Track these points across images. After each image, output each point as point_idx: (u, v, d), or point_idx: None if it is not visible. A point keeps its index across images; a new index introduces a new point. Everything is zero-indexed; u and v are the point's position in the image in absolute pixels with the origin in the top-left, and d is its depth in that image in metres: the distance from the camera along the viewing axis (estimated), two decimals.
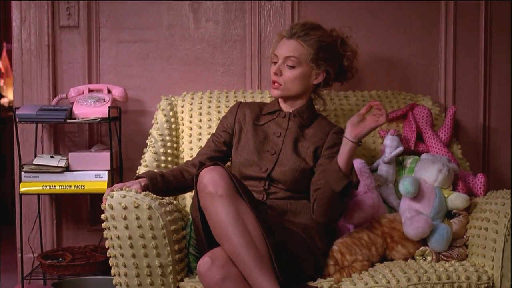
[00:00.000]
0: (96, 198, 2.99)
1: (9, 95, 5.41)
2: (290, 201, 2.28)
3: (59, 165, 2.72)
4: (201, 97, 2.75)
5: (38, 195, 2.93)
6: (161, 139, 2.59)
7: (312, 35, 2.34)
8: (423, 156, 2.53)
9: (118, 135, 2.90)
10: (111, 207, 2.02)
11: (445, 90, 3.08)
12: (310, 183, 2.28)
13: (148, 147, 2.58)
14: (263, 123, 2.41)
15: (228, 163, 2.49)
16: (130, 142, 3.01)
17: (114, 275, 2.11)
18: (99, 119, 2.74)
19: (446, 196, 2.36)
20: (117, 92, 2.88)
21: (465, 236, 2.33)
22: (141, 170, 2.47)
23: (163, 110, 2.68)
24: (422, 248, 2.26)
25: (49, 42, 2.99)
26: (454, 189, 2.43)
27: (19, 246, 2.91)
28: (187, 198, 2.58)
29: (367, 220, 2.38)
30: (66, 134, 3.04)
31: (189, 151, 2.62)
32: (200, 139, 2.63)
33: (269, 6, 3.02)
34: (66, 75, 3.02)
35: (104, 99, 2.79)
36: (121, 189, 2.08)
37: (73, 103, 2.82)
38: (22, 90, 3.00)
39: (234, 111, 2.46)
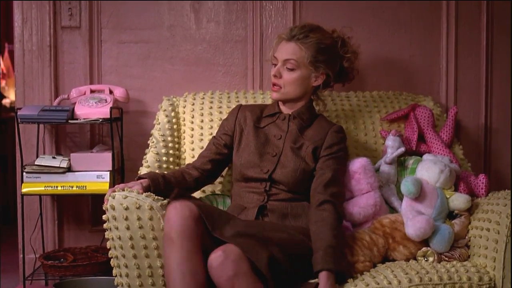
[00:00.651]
0: (97, 199, 2.99)
1: (10, 96, 5.42)
2: (291, 203, 2.27)
3: (60, 166, 2.72)
4: (203, 98, 2.75)
5: (40, 195, 2.93)
6: (162, 139, 2.59)
7: (311, 37, 2.33)
8: (425, 156, 2.53)
9: (119, 135, 2.91)
10: (113, 208, 2.02)
11: (446, 90, 3.08)
12: (311, 185, 2.28)
13: (149, 147, 2.58)
14: (264, 125, 2.41)
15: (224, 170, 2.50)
16: (131, 143, 3.01)
17: (116, 276, 2.11)
18: (100, 120, 2.74)
19: (448, 196, 2.37)
20: (119, 92, 2.88)
21: (466, 237, 2.32)
22: (142, 170, 2.47)
23: (164, 110, 2.68)
24: (423, 248, 2.26)
25: (50, 42, 3.00)
26: (456, 189, 2.43)
27: (21, 247, 2.92)
28: None
29: (368, 219, 2.38)
30: (67, 135, 3.05)
31: (190, 151, 2.62)
32: (201, 139, 2.63)
33: (271, 7, 3.02)
34: (68, 76, 3.03)
35: (105, 100, 2.79)
36: (123, 190, 2.08)
37: (74, 103, 2.82)
38: (23, 91, 3.00)
39: (235, 113, 2.46)
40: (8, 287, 3.14)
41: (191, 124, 2.67)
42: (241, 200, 2.32)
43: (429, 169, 2.40)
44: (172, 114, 2.68)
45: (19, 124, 2.79)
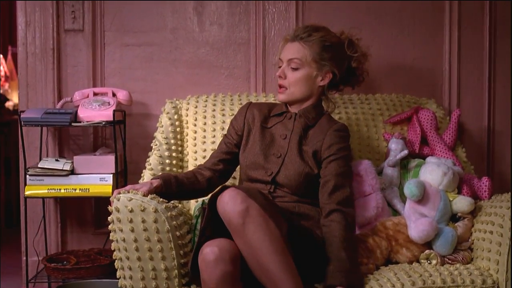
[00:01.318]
0: (100, 201, 3.00)
1: (14, 99, 5.43)
2: (298, 204, 2.27)
3: (64, 169, 2.72)
4: (206, 100, 2.75)
5: (43, 198, 2.94)
6: (165, 142, 2.59)
7: (314, 35, 2.33)
8: (428, 159, 2.53)
9: (122, 138, 2.91)
10: (117, 210, 2.02)
11: (449, 93, 3.08)
12: (316, 189, 2.26)
13: (152, 150, 2.58)
14: (271, 125, 2.39)
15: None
16: (134, 145, 3.02)
17: (120, 278, 2.11)
18: (104, 123, 2.74)
19: (451, 199, 2.36)
20: (122, 95, 2.88)
21: (469, 240, 2.32)
22: (146, 173, 2.47)
23: (167, 113, 2.69)
24: (427, 251, 2.26)
25: (54, 45, 3.00)
26: (459, 192, 2.43)
27: (24, 249, 2.92)
28: (191, 201, 2.58)
29: (370, 221, 2.38)
30: (71, 138, 3.05)
31: (193, 154, 2.62)
32: (204, 142, 2.63)
33: (274, 9, 3.02)
34: (71, 79, 3.03)
35: (108, 103, 2.80)
36: (128, 192, 2.08)
37: (78, 106, 2.82)
38: (27, 94, 3.01)
39: (244, 112, 2.45)
40: None
41: (194, 127, 2.67)
42: None
43: (433, 172, 2.40)
44: (175, 117, 2.68)
45: (23, 127, 2.79)
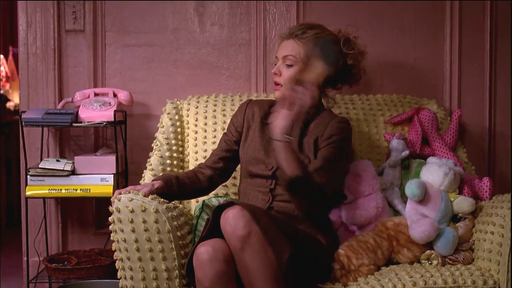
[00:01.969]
0: (101, 202, 3.00)
1: (15, 99, 5.44)
2: None
3: (65, 169, 2.73)
4: (207, 101, 2.75)
5: (44, 198, 2.94)
6: (166, 142, 2.59)
7: (309, 32, 2.33)
8: (429, 159, 2.53)
9: (123, 138, 2.91)
10: (118, 210, 2.02)
11: (450, 93, 3.07)
12: None
13: (153, 150, 2.58)
14: (271, 121, 2.39)
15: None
16: (135, 146, 3.02)
17: (120, 278, 2.11)
18: (104, 123, 2.74)
19: (452, 199, 2.36)
20: (123, 96, 2.88)
21: (470, 240, 2.32)
22: (146, 173, 2.47)
23: (168, 113, 2.69)
24: (428, 251, 2.26)
25: (55, 46, 3.00)
26: (460, 192, 2.43)
27: (25, 250, 2.92)
28: (192, 201, 2.58)
29: (370, 222, 2.38)
30: (71, 138, 3.05)
31: (194, 154, 2.63)
32: (205, 142, 2.63)
33: (274, 10, 3.02)
34: (72, 79, 3.03)
35: (109, 103, 2.80)
36: (129, 192, 2.08)
37: (78, 107, 2.82)
38: (28, 94, 3.01)
39: (243, 108, 2.45)
40: None
41: (195, 127, 2.68)
42: (247, 199, 2.31)
43: (434, 172, 2.39)
44: (176, 117, 2.68)
45: (24, 127, 2.80)
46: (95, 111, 2.76)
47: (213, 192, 2.53)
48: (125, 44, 3.03)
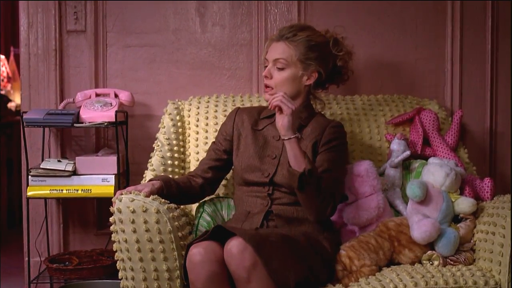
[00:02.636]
0: (102, 202, 3.00)
1: (16, 99, 5.44)
2: (296, 207, 2.25)
3: (66, 169, 2.73)
4: (208, 101, 2.75)
5: (45, 199, 2.94)
6: (167, 143, 2.60)
7: (300, 35, 2.33)
8: (430, 160, 2.53)
9: (125, 139, 2.91)
10: (119, 211, 2.03)
11: (451, 94, 3.07)
12: None
13: (155, 151, 2.58)
14: (262, 127, 2.39)
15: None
16: (136, 146, 3.02)
17: (121, 279, 2.11)
18: (106, 123, 2.74)
19: (453, 200, 2.36)
20: (124, 96, 2.89)
21: (472, 241, 2.32)
22: (148, 174, 2.47)
23: (169, 114, 2.69)
24: (429, 252, 2.26)
25: (56, 46, 3.01)
26: (461, 193, 2.43)
27: (26, 250, 2.92)
28: None
29: (371, 222, 2.38)
30: (73, 138, 3.05)
31: (195, 155, 2.63)
32: (206, 143, 2.63)
33: (276, 10, 3.02)
34: (73, 80, 3.03)
35: (111, 104, 2.80)
36: (130, 193, 2.08)
37: (80, 107, 2.83)
38: (29, 94, 3.01)
39: (232, 117, 2.45)
40: None
41: (196, 128, 2.68)
42: (244, 205, 2.31)
43: (435, 173, 2.39)
44: (177, 117, 2.68)
45: (25, 128, 2.80)
46: (96, 112, 2.76)
47: (214, 193, 2.53)
48: (126, 44, 3.03)
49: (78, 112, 2.78)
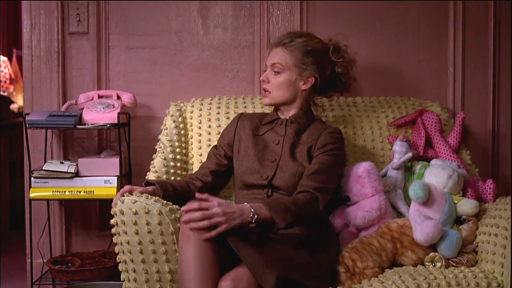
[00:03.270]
0: (105, 204, 3.00)
1: (19, 101, 5.45)
2: None
3: (68, 171, 2.73)
4: (210, 103, 2.75)
5: (48, 200, 2.94)
6: (170, 145, 2.60)
7: (296, 41, 2.37)
8: (433, 161, 2.53)
9: (127, 140, 2.91)
10: (122, 213, 2.03)
11: (453, 95, 3.07)
12: None
13: (157, 153, 2.58)
14: (263, 133, 2.42)
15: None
16: (139, 148, 3.02)
17: (124, 280, 2.11)
18: (108, 125, 2.75)
19: (456, 202, 2.36)
20: (126, 98, 2.89)
21: (474, 242, 2.32)
22: (150, 175, 2.48)
23: (172, 116, 2.69)
24: (431, 254, 2.26)
25: (58, 48, 3.01)
26: (464, 195, 2.43)
27: (29, 251, 2.92)
28: None
29: (373, 223, 2.38)
30: (75, 140, 3.06)
31: (198, 156, 2.63)
32: (209, 145, 2.63)
33: (278, 12, 3.02)
34: (76, 81, 3.04)
35: (113, 105, 2.80)
36: (131, 194, 2.09)
37: (82, 109, 2.83)
38: (32, 96, 3.02)
39: (235, 123, 2.49)
40: None
41: (198, 130, 2.68)
42: None
43: (438, 174, 2.39)
44: (180, 119, 2.69)
45: (27, 129, 2.80)
46: (98, 113, 2.76)
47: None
48: (128, 46, 3.04)
49: (81, 114, 2.78)
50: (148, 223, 2.01)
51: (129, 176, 2.92)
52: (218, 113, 2.71)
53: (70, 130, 3.01)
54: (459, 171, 2.43)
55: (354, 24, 3.02)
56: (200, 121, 2.69)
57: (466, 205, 2.34)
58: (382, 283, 2.06)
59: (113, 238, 2.09)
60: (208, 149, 2.61)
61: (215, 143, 2.61)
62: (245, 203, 2.02)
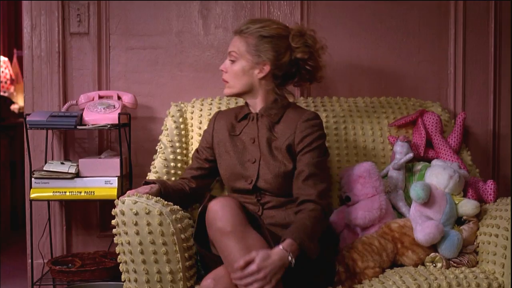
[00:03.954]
0: (105, 204, 3.00)
1: (19, 102, 5.45)
2: (286, 211, 2.23)
3: (69, 171, 2.73)
4: (211, 104, 2.75)
5: (48, 201, 2.94)
6: (170, 145, 2.60)
7: (251, 27, 2.29)
8: (434, 162, 2.53)
9: (127, 141, 2.91)
10: (122, 213, 2.03)
11: (454, 96, 3.07)
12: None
13: (157, 153, 2.58)
14: (239, 132, 2.35)
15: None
16: (139, 148, 3.02)
17: (124, 281, 2.11)
18: (109, 126, 2.75)
19: (457, 202, 2.36)
20: (127, 98, 2.89)
21: (475, 243, 2.32)
22: (151, 176, 2.48)
23: (172, 116, 2.69)
24: (432, 254, 2.26)
25: (59, 49, 3.01)
26: (464, 195, 2.43)
27: (29, 252, 2.92)
28: None
29: (374, 223, 2.38)
30: (76, 141, 3.06)
31: None
32: None
33: (278, 13, 3.02)
34: (76, 82, 3.04)
35: (114, 106, 2.80)
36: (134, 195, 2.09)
37: (83, 109, 2.83)
38: (32, 97, 3.02)
39: (212, 124, 2.44)
40: None
41: (199, 130, 2.68)
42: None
43: (439, 175, 2.40)
44: (180, 120, 2.69)
45: (28, 130, 2.80)
46: (99, 114, 2.76)
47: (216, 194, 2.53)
48: (129, 46, 3.04)
49: (81, 114, 2.78)
50: (149, 224, 2.00)
51: (129, 177, 2.92)
52: None
53: (71, 131, 3.01)
54: (460, 172, 2.43)
55: (355, 25, 3.02)
56: (201, 121, 2.69)
57: (467, 206, 2.34)
58: (383, 283, 2.06)
59: (114, 239, 2.09)
60: None
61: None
62: (280, 247, 1.95)
